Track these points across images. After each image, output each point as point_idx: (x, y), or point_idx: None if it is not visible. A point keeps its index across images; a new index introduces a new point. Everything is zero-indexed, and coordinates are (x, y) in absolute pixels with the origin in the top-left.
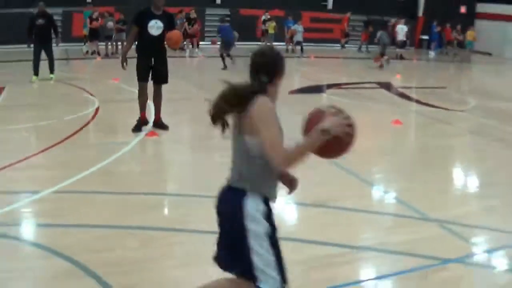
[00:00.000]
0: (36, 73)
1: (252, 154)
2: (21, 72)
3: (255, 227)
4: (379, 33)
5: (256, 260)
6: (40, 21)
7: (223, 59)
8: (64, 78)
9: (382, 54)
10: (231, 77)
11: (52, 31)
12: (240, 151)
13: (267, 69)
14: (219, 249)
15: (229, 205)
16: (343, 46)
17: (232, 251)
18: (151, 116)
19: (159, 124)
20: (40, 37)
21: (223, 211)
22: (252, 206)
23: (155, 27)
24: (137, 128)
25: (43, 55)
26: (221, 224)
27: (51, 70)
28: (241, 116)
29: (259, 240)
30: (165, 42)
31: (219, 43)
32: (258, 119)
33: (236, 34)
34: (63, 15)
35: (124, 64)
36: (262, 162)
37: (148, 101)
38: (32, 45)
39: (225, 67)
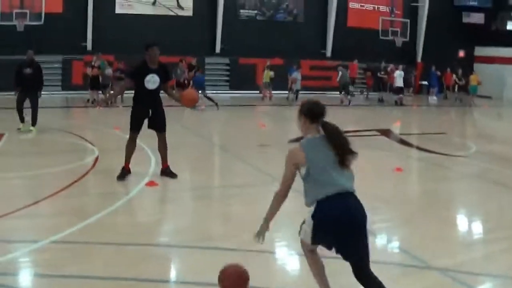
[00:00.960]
0: (22, 120)
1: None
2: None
3: None
4: (340, 72)
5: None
6: (27, 71)
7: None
8: (64, 126)
9: (347, 93)
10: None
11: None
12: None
13: None
14: (361, 252)
15: (362, 209)
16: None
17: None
18: (155, 165)
19: (167, 172)
20: (27, 86)
21: (362, 215)
22: None
23: (151, 81)
24: (121, 177)
25: (27, 103)
26: (359, 228)
27: (34, 123)
28: None
29: None
30: (182, 102)
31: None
32: None
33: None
34: (63, 62)
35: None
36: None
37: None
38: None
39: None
